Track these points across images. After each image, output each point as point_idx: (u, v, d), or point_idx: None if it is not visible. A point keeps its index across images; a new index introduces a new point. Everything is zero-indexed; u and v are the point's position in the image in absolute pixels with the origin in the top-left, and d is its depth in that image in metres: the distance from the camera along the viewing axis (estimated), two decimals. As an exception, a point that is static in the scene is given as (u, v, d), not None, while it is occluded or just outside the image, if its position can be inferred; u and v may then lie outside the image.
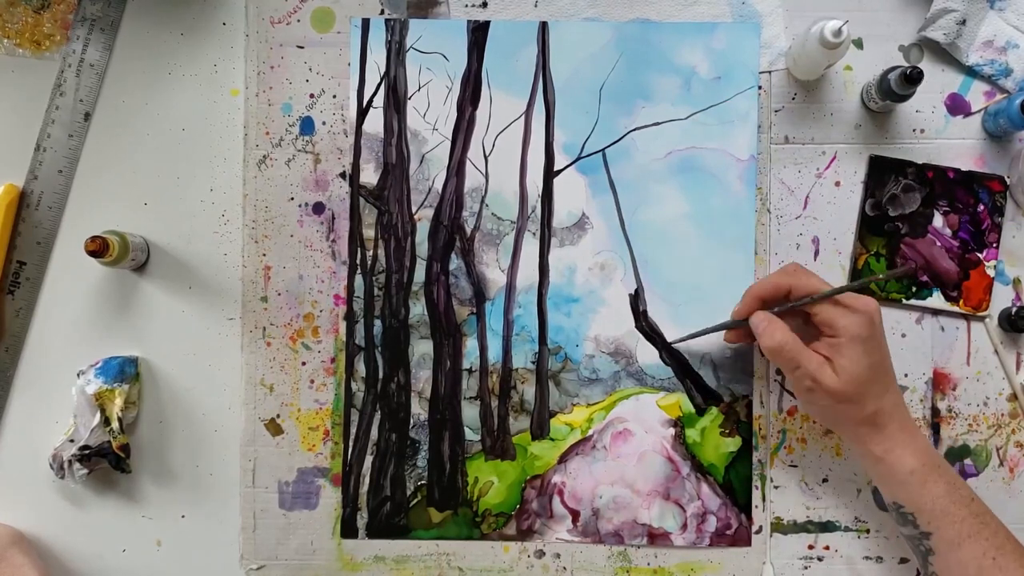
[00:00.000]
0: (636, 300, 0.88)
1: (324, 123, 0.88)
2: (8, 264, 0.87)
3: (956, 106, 0.88)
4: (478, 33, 0.88)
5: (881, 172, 0.87)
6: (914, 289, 0.87)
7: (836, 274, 0.88)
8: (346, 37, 0.88)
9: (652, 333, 0.88)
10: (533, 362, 0.88)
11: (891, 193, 0.87)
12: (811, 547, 0.87)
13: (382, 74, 0.88)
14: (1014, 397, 0.87)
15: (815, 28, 0.80)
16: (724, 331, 0.85)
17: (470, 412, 0.88)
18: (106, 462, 0.85)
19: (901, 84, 0.81)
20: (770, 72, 0.88)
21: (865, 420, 0.77)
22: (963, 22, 0.86)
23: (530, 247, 0.88)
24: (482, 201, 0.88)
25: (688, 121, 0.87)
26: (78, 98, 0.88)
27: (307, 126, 0.88)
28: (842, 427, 0.80)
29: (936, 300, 0.87)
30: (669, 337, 0.87)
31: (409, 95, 0.88)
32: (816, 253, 0.88)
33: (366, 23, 0.88)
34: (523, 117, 0.88)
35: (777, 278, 0.80)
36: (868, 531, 0.87)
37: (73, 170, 0.88)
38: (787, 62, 0.88)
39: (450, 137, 0.88)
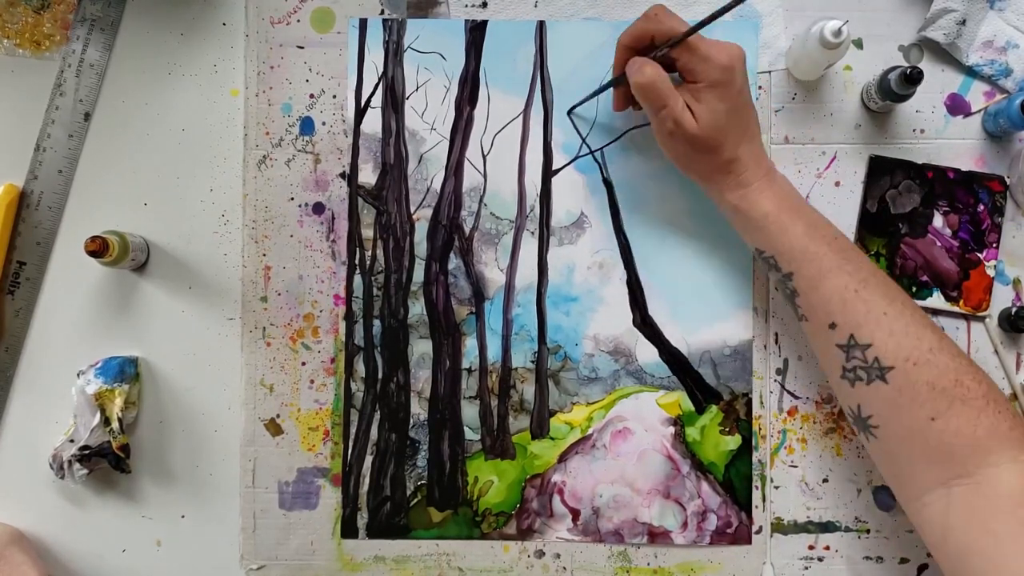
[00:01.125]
0: (635, 299, 0.88)
1: (324, 123, 0.88)
2: (8, 264, 0.87)
3: (956, 106, 0.88)
4: (476, 33, 0.88)
5: (881, 172, 0.87)
6: (914, 289, 0.87)
7: (836, 274, 0.87)
8: (346, 37, 0.88)
9: (651, 332, 0.88)
10: (532, 361, 0.88)
11: (891, 193, 0.87)
12: (811, 547, 0.87)
13: (380, 74, 0.88)
14: (1014, 397, 0.87)
15: (815, 28, 0.80)
16: (614, 99, 0.84)
17: (470, 412, 0.88)
18: (106, 462, 0.85)
19: (901, 84, 0.81)
20: (770, 72, 0.88)
21: (721, 167, 0.78)
22: (963, 22, 0.86)
23: (529, 246, 0.88)
24: (481, 201, 0.88)
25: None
26: (78, 98, 0.88)
27: (307, 126, 0.88)
28: (700, 174, 0.80)
29: (936, 300, 0.87)
30: (668, 335, 0.87)
31: (407, 95, 0.88)
32: (816, 253, 0.88)
33: (363, 23, 0.88)
34: (521, 116, 0.88)
35: (640, 24, 0.78)
36: (868, 531, 0.87)
37: (73, 170, 0.88)
38: (787, 62, 0.88)
39: (448, 137, 0.88)
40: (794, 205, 0.77)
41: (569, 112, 0.88)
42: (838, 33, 0.78)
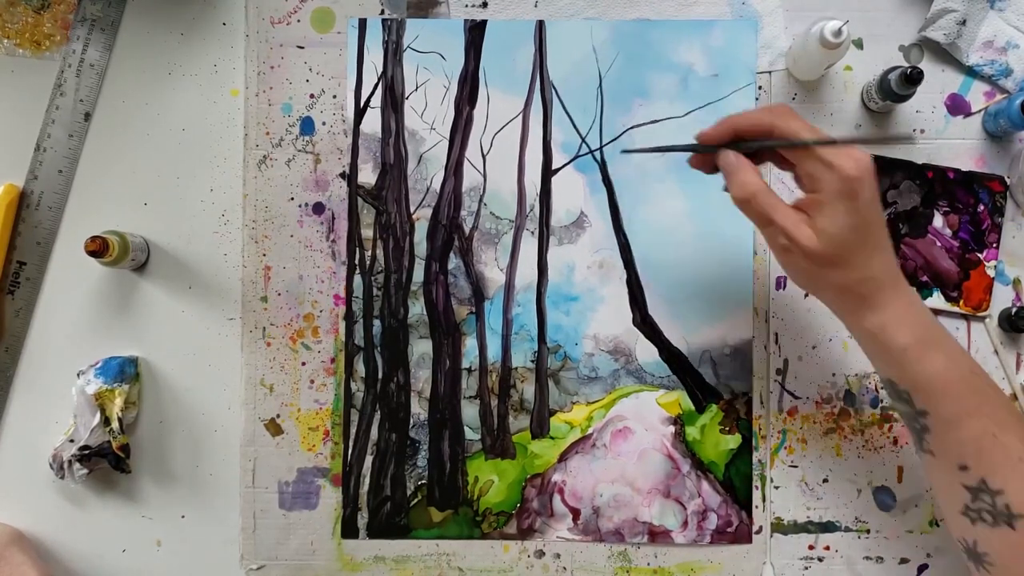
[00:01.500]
0: (635, 298, 0.88)
1: (324, 123, 0.88)
2: (8, 264, 0.87)
3: (956, 106, 0.88)
4: (475, 32, 0.88)
5: (881, 172, 0.87)
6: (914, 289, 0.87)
7: (836, 274, 0.87)
8: (346, 37, 0.88)
9: (651, 331, 0.88)
10: (532, 361, 0.88)
11: (891, 193, 0.87)
12: (811, 547, 0.87)
13: (379, 74, 0.88)
14: (1014, 397, 0.87)
15: (815, 28, 0.80)
16: (694, 157, 0.76)
17: (470, 411, 0.88)
18: (106, 462, 0.85)
19: (901, 84, 0.81)
20: (770, 72, 0.88)
21: (851, 288, 0.70)
22: (963, 22, 0.86)
23: (529, 246, 0.88)
24: (480, 200, 0.88)
25: (686, 119, 0.87)
26: (78, 98, 0.88)
27: (307, 126, 0.88)
28: (826, 295, 0.73)
29: (936, 300, 0.87)
30: (668, 335, 0.87)
31: (406, 95, 0.88)
32: (816, 253, 0.88)
33: (363, 23, 0.88)
34: (521, 116, 0.88)
35: (760, 115, 0.71)
36: (868, 531, 0.87)
37: (73, 170, 0.88)
38: (787, 62, 0.88)
39: (448, 137, 0.88)
40: (934, 335, 0.70)
41: (624, 150, 0.87)
42: (838, 33, 0.78)
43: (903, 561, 0.87)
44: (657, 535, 0.87)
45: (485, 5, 0.88)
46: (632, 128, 0.88)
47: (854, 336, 0.74)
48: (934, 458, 0.72)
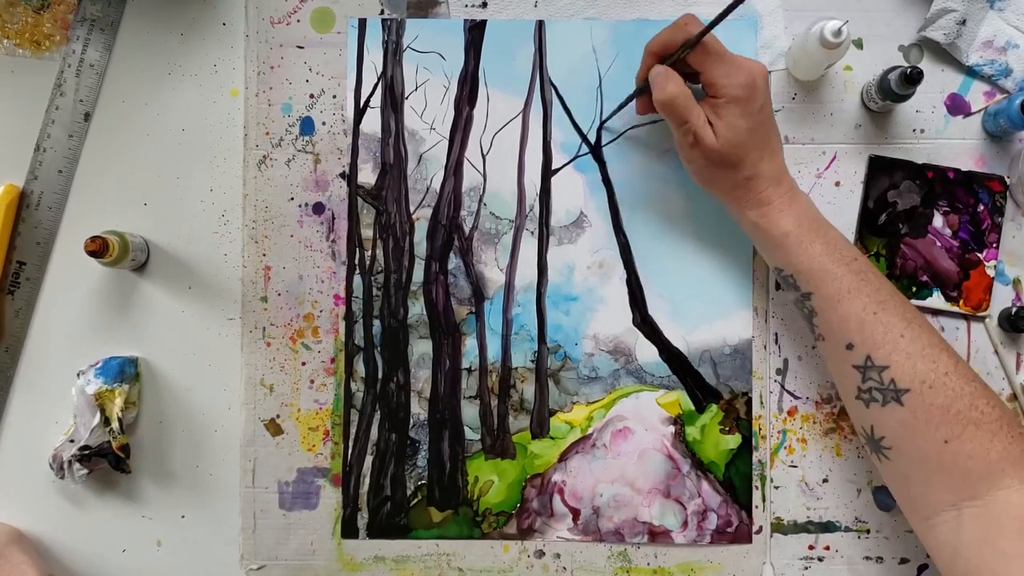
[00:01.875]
0: (635, 298, 0.88)
1: (324, 123, 0.88)
2: (8, 264, 0.87)
3: (956, 106, 0.88)
4: (475, 32, 0.88)
5: (881, 172, 0.87)
6: (914, 289, 0.87)
7: (836, 274, 0.87)
8: (346, 37, 0.88)
9: (651, 331, 0.88)
10: (532, 361, 0.88)
11: (891, 193, 0.87)
12: (811, 547, 0.87)
13: (379, 74, 0.88)
14: (1014, 397, 0.87)
15: (815, 28, 0.80)
16: (637, 103, 0.85)
17: (470, 411, 0.88)
18: (106, 462, 0.85)
19: (901, 84, 0.81)
20: (770, 72, 0.88)
21: (740, 184, 0.78)
22: (963, 22, 0.86)
23: (528, 246, 0.88)
24: (480, 200, 0.88)
25: (686, 119, 0.87)
26: (78, 98, 0.88)
27: (307, 126, 0.88)
28: (720, 190, 0.80)
29: (936, 300, 0.87)
30: (668, 335, 0.87)
31: (406, 95, 0.88)
32: (816, 253, 0.88)
33: (362, 23, 0.88)
34: (520, 116, 0.88)
35: (668, 32, 0.78)
36: (868, 531, 0.87)
37: (73, 170, 0.88)
38: (787, 62, 0.88)
39: (448, 137, 0.88)
40: (814, 224, 0.77)
41: (601, 126, 0.88)
42: (838, 33, 0.78)
43: (903, 561, 0.87)
44: (657, 535, 0.87)
45: (485, 5, 0.88)
46: (632, 128, 0.88)
47: (745, 229, 0.81)
48: (825, 342, 0.77)
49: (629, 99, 0.85)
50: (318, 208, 0.88)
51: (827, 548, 0.87)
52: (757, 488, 0.87)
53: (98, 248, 0.80)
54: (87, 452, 0.84)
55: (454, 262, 0.88)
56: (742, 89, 0.75)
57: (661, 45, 0.78)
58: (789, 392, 0.88)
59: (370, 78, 0.88)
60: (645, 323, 0.88)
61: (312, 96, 0.88)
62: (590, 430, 0.87)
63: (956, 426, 0.70)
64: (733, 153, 0.76)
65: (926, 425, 0.71)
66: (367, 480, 0.87)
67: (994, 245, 0.87)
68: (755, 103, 0.76)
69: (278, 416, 0.88)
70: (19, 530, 0.87)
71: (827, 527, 0.87)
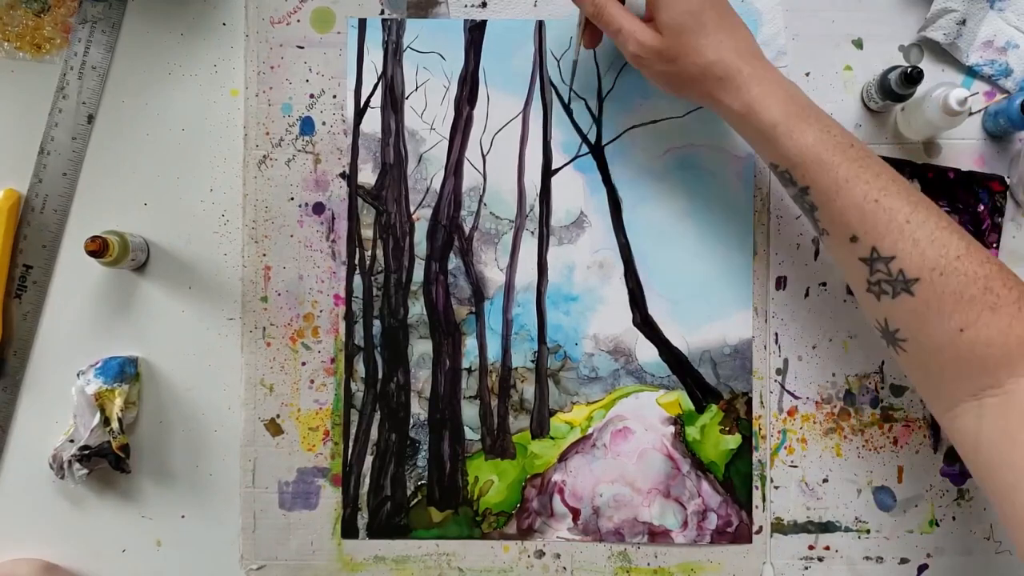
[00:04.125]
0: (635, 298, 0.88)
1: (324, 123, 0.88)
2: (14, 268, 0.87)
3: (956, 106, 0.88)
4: (475, 32, 0.88)
5: (881, 171, 0.87)
6: (915, 289, 0.87)
7: (836, 274, 0.87)
8: (346, 37, 0.88)
9: (651, 331, 0.88)
10: (532, 361, 0.88)
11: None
12: (811, 547, 0.87)
13: (379, 74, 0.88)
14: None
15: (937, 93, 0.80)
16: (584, 37, 0.83)
17: (470, 411, 0.88)
18: (106, 462, 0.85)
19: (901, 84, 0.81)
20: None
21: (705, 74, 0.73)
22: (963, 22, 0.86)
23: (528, 246, 0.88)
24: (480, 200, 0.88)
25: (686, 119, 0.87)
26: (80, 100, 0.88)
27: (307, 126, 0.88)
28: (689, 89, 0.76)
29: (936, 299, 0.87)
30: (668, 335, 0.87)
31: (406, 95, 0.88)
32: (816, 253, 0.88)
33: (362, 23, 0.88)
34: (521, 116, 0.88)
35: None
36: (868, 531, 0.87)
37: (77, 172, 0.88)
38: (897, 119, 0.87)
39: (448, 137, 0.88)
40: (804, 112, 0.72)
41: (573, 73, 0.88)
42: (963, 103, 0.78)
43: (903, 561, 0.87)
44: (657, 535, 0.87)
45: (484, 5, 0.88)
46: (632, 128, 0.88)
47: (731, 124, 0.76)
48: (830, 237, 0.73)
49: (580, 32, 0.83)
50: (318, 208, 0.88)
51: (827, 548, 0.87)
52: (757, 488, 0.87)
53: (98, 248, 0.80)
54: (87, 452, 0.84)
55: (454, 262, 0.88)
56: None
57: None
58: (789, 392, 0.88)
59: (370, 78, 0.88)
60: (645, 323, 0.88)
61: (312, 96, 0.88)
62: (590, 430, 0.87)
63: (971, 313, 0.66)
64: (682, 43, 0.72)
65: (939, 315, 0.67)
66: (367, 480, 0.88)
67: (994, 245, 0.87)
68: None
69: (278, 416, 0.88)
70: (50, 563, 0.87)
71: (827, 527, 0.87)
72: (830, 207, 0.71)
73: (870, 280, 0.71)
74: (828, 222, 0.72)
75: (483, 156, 0.88)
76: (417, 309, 0.88)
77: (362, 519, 0.87)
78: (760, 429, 0.87)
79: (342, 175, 0.88)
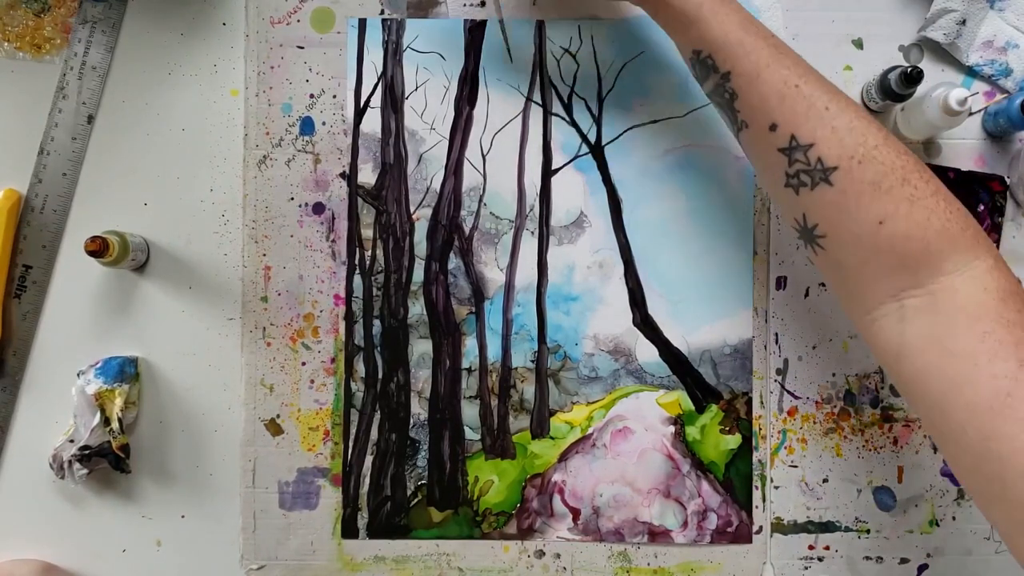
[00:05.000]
0: (635, 298, 0.88)
1: (324, 123, 0.88)
2: (13, 268, 0.87)
3: (956, 106, 0.88)
4: (475, 32, 0.88)
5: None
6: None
7: (836, 274, 0.87)
8: (346, 37, 0.88)
9: (651, 331, 0.88)
10: (532, 361, 0.88)
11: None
12: (811, 547, 0.87)
13: (379, 74, 0.88)
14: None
15: (937, 93, 0.80)
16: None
17: (470, 411, 0.88)
18: (106, 462, 0.85)
19: (901, 84, 0.81)
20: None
21: None
22: (963, 22, 0.86)
23: (528, 246, 0.88)
24: (480, 200, 0.88)
25: (686, 119, 0.87)
26: (81, 100, 0.88)
27: (307, 126, 0.88)
28: None
29: (936, 299, 0.87)
30: (668, 335, 0.87)
31: (406, 95, 0.88)
32: (816, 253, 0.88)
33: (362, 23, 0.88)
34: (520, 116, 0.88)
35: None
36: (868, 531, 0.87)
37: (77, 173, 0.88)
38: (896, 118, 0.88)
39: (448, 137, 0.88)
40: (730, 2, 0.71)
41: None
42: (963, 103, 0.78)
43: (903, 561, 0.87)
44: (657, 535, 0.87)
45: (483, 4, 0.88)
46: (632, 128, 0.88)
47: (659, 23, 0.75)
48: (749, 130, 0.71)
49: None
50: (318, 208, 0.88)
51: (827, 548, 0.87)
52: (757, 488, 0.87)
53: (98, 248, 0.80)
54: (87, 452, 0.84)
55: (454, 262, 0.88)
56: None
57: None
58: (789, 392, 0.88)
59: (370, 78, 0.88)
60: (645, 323, 0.88)
61: (312, 96, 0.88)
62: (590, 430, 0.87)
63: (889, 204, 0.65)
64: None
65: (857, 205, 0.66)
66: (367, 480, 0.88)
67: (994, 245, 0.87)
68: None
69: (278, 416, 0.88)
70: (48, 563, 0.87)
71: (827, 527, 0.87)
72: (750, 92, 0.70)
73: (788, 172, 0.69)
74: (748, 110, 0.71)
75: (483, 156, 0.88)
76: (417, 309, 0.88)
77: (362, 519, 0.87)
78: (760, 429, 0.87)
79: (342, 175, 0.88)
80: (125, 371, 0.86)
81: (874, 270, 0.67)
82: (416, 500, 0.88)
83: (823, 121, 0.67)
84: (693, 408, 0.87)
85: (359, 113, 0.88)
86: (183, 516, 0.88)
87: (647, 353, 0.87)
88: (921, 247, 0.65)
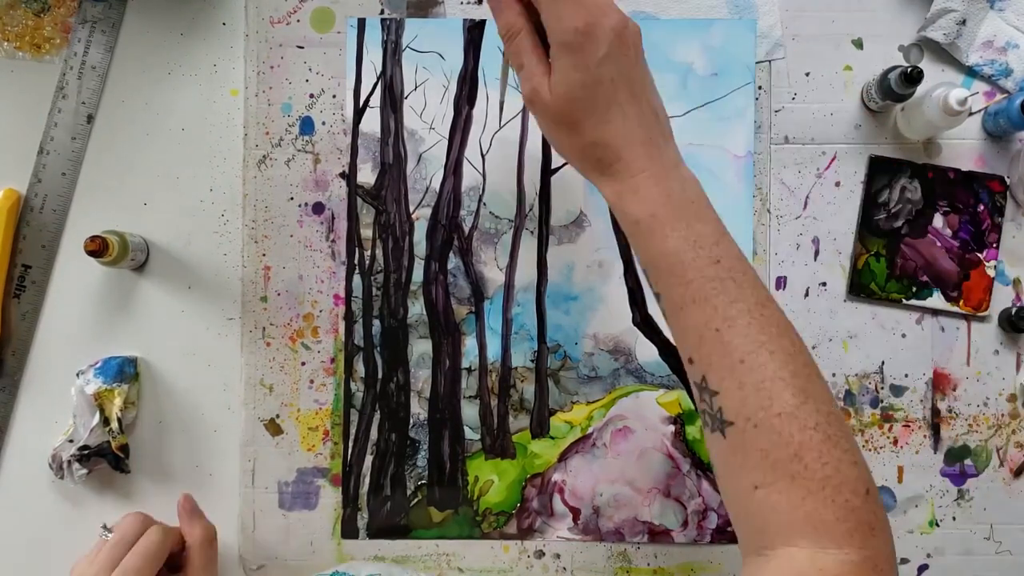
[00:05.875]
0: (635, 298, 0.88)
1: (324, 123, 0.88)
2: (13, 268, 0.87)
3: (956, 106, 0.88)
4: (474, 32, 0.88)
5: (881, 172, 0.87)
6: (914, 289, 0.87)
7: (836, 274, 0.87)
8: (345, 37, 0.88)
9: (651, 330, 0.87)
10: (532, 360, 0.88)
11: (891, 193, 0.87)
12: (812, 547, 0.87)
13: (378, 74, 0.88)
14: (1014, 398, 0.87)
15: (937, 93, 0.80)
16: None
17: (470, 411, 0.88)
18: (105, 462, 0.85)
19: (901, 84, 0.81)
20: (769, 61, 0.88)
21: (585, 152, 0.65)
22: (963, 22, 0.86)
23: (528, 245, 0.88)
24: (480, 200, 0.88)
25: (685, 118, 0.87)
26: (80, 100, 0.88)
27: (307, 126, 0.88)
28: (569, 157, 0.68)
29: (936, 300, 0.87)
30: (669, 334, 0.87)
31: (406, 94, 0.88)
32: (816, 253, 0.88)
33: (362, 23, 0.88)
34: (520, 116, 0.88)
35: None
36: (869, 531, 0.87)
37: (76, 173, 0.88)
38: (896, 117, 0.88)
39: (447, 136, 0.88)
40: (677, 213, 0.63)
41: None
42: (963, 102, 0.78)
43: (903, 561, 0.87)
44: (657, 535, 0.87)
45: (481, 3, 0.88)
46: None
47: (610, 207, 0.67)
48: (678, 349, 0.66)
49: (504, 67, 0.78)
50: (318, 208, 0.88)
51: (827, 548, 0.87)
52: (757, 488, 0.87)
53: (98, 248, 0.80)
54: (86, 452, 0.84)
55: (454, 262, 0.88)
56: (573, 34, 0.62)
57: None
58: (789, 392, 0.87)
59: (370, 78, 0.88)
60: (645, 322, 0.88)
61: (312, 96, 0.88)
62: (590, 430, 0.87)
63: (770, 474, 0.60)
64: (567, 111, 0.63)
65: (741, 466, 0.61)
66: (367, 480, 0.87)
67: (994, 245, 0.87)
68: (591, 53, 0.62)
69: (278, 416, 0.88)
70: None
71: (827, 527, 0.87)
72: (673, 323, 0.65)
73: (698, 404, 0.65)
74: (674, 336, 0.66)
75: (482, 156, 0.88)
76: (417, 309, 0.88)
77: (362, 519, 0.87)
78: (760, 429, 0.87)
79: (342, 175, 0.88)
80: (124, 371, 0.86)
81: (739, 526, 0.63)
82: (416, 500, 0.87)
83: (734, 374, 0.61)
84: (693, 407, 0.87)
85: (358, 113, 0.88)
86: (183, 516, 0.88)
87: (647, 352, 0.87)
88: (785, 521, 0.59)
